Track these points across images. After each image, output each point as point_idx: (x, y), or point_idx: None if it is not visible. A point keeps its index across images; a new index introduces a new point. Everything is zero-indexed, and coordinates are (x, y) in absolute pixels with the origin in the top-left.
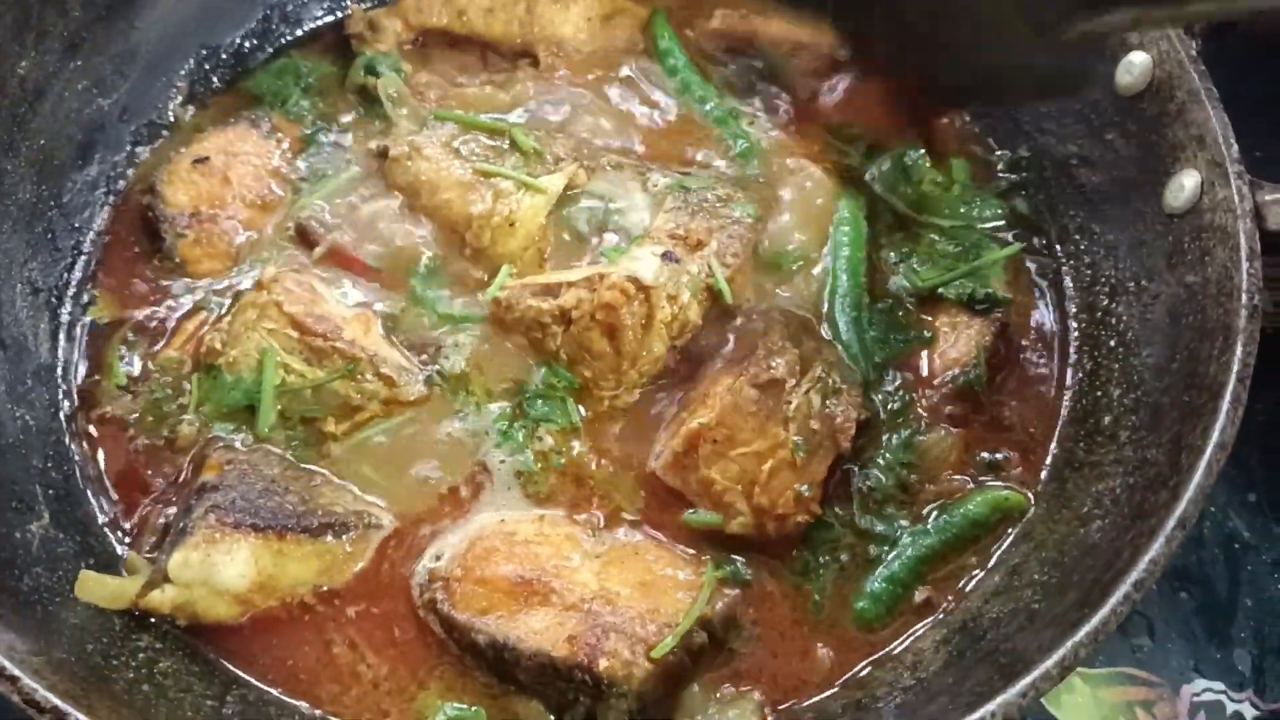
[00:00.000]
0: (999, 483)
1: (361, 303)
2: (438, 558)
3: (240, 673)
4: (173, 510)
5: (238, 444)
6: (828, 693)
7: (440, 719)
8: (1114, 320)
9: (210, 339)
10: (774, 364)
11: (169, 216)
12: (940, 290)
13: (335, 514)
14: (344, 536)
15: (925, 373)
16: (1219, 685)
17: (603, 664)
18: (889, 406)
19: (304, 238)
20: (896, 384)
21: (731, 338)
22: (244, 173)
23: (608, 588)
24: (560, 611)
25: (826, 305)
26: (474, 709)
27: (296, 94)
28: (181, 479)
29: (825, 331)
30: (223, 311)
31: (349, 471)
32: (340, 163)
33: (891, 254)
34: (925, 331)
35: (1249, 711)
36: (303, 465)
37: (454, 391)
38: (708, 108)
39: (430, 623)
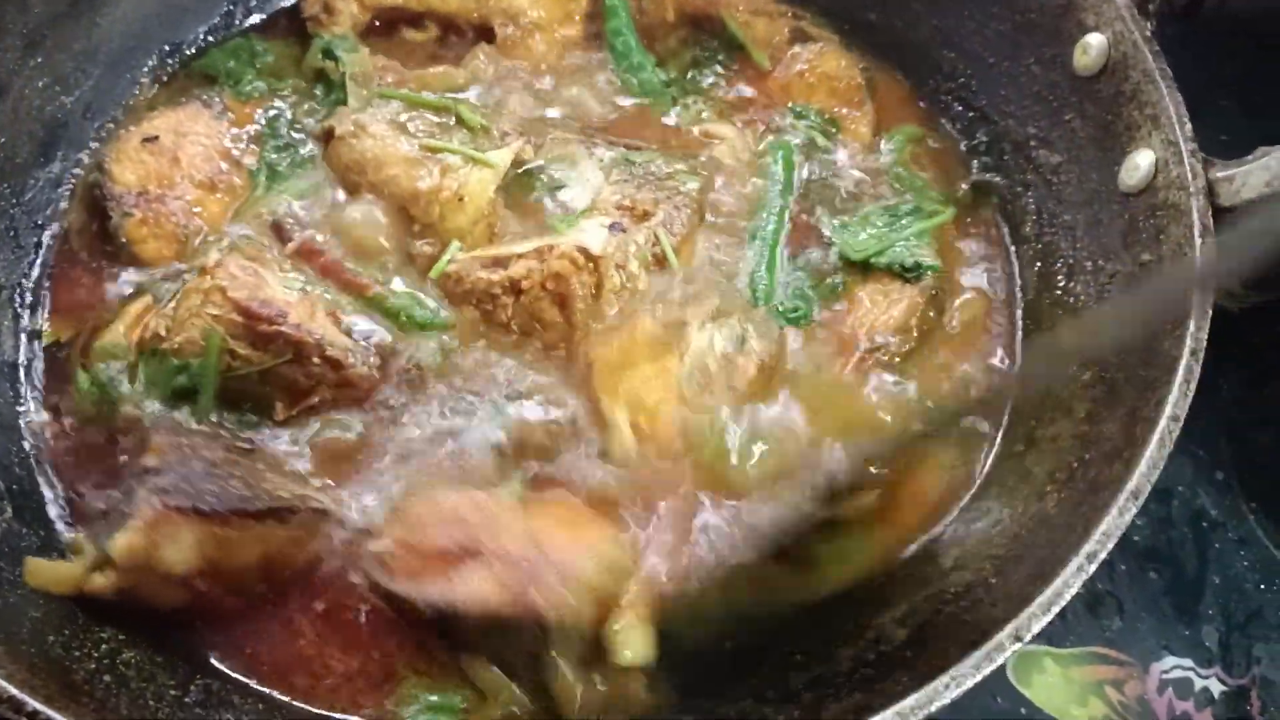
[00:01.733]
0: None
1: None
2: (371, 536)
3: (217, 665)
4: (117, 494)
5: (180, 427)
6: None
7: (416, 708)
8: (1071, 300)
9: (155, 324)
10: (685, 307)
11: (116, 195)
12: (871, 261)
13: (281, 499)
14: (289, 521)
15: (851, 338)
16: (1188, 662)
17: (541, 603)
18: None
19: (278, 233)
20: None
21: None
22: (194, 153)
23: (537, 535)
24: (494, 564)
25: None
26: (452, 696)
27: (250, 74)
28: (123, 462)
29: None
30: (168, 298)
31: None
32: (298, 152)
33: (825, 225)
34: (838, 288)
35: (1216, 687)
36: (247, 449)
37: (413, 386)
38: (643, 76)
39: (380, 605)
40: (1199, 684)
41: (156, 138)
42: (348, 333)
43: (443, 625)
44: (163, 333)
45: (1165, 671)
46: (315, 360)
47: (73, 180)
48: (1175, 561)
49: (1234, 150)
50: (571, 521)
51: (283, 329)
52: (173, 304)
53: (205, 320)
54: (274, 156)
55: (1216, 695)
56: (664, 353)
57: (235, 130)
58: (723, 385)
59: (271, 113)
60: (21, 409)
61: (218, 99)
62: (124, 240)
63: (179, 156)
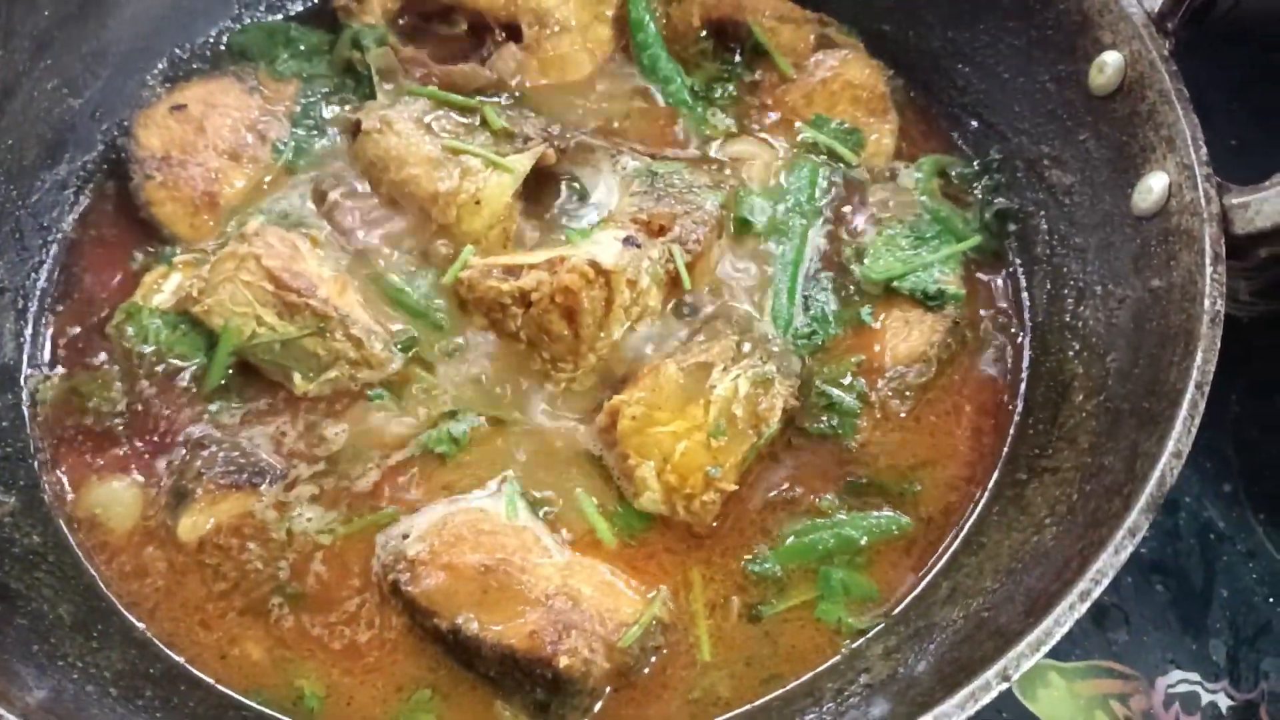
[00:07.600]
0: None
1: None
2: (404, 537)
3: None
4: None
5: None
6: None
7: None
8: (1079, 324)
9: (189, 287)
10: (706, 348)
11: (139, 159)
12: (894, 284)
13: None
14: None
15: (876, 365)
16: (1194, 676)
17: (563, 662)
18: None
19: (318, 197)
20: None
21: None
22: (220, 124)
23: (570, 585)
24: (523, 605)
25: (771, 272)
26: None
27: (285, 54)
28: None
29: (768, 307)
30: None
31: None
32: (325, 136)
33: (847, 248)
34: (864, 315)
35: (1224, 701)
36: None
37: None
38: (671, 88)
39: (392, 603)
40: (1206, 698)
41: (184, 106)
42: (373, 316)
43: (454, 644)
44: (195, 294)
45: (1172, 685)
46: (339, 336)
47: (79, 184)
48: (1182, 574)
49: (1242, 156)
50: (609, 586)
51: (310, 302)
52: (206, 267)
53: (237, 286)
54: (302, 135)
55: (1224, 710)
56: (689, 403)
57: (267, 106)
58: (748, 427)
59: (305, 93)
60: (22, 412)
61: (252, 75)
62: (144, 200)
63: (205, 126)
